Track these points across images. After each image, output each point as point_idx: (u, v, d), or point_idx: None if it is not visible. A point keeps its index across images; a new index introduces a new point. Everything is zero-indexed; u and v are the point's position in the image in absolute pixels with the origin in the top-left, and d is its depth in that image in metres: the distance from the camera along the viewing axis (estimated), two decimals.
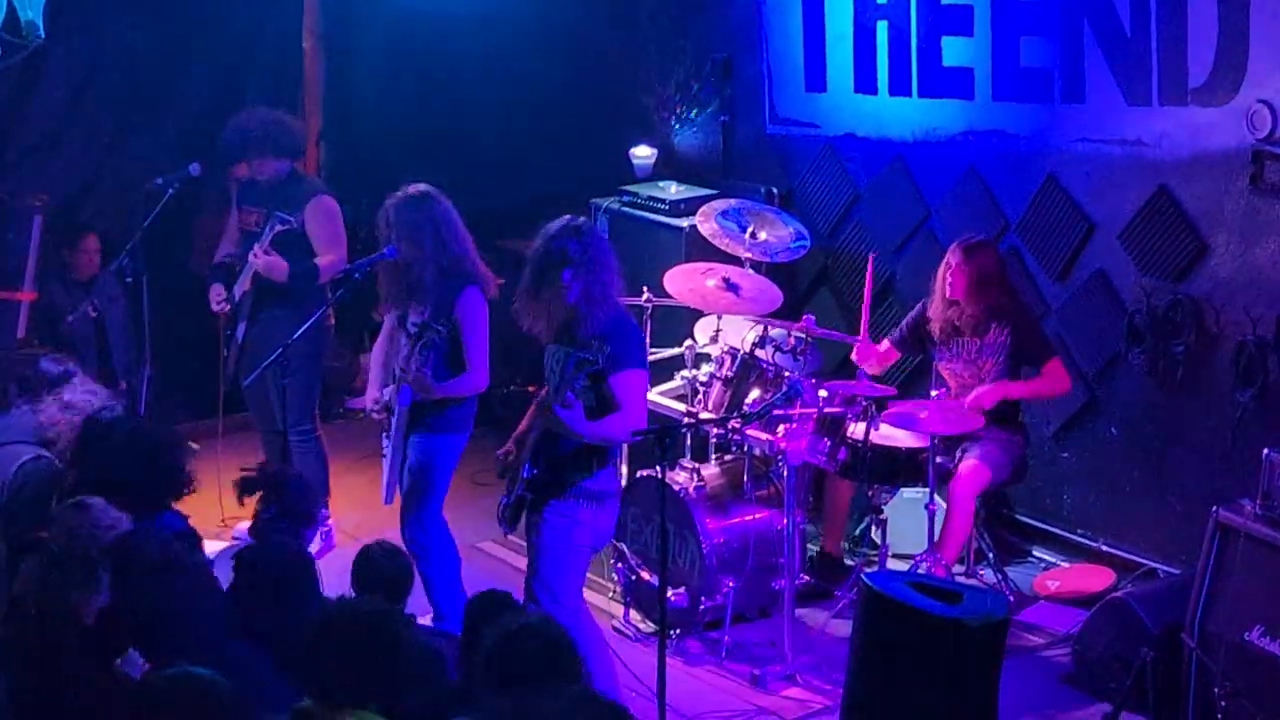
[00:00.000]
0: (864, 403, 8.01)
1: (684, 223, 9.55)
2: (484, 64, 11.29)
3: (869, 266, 8.60)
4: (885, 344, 8.70)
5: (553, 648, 5.24)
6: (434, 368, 7.59)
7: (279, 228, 8.67)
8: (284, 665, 5.45)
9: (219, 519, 8.74)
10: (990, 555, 8.58)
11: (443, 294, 7.59)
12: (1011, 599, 8.22)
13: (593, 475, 6.84)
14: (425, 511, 7.80)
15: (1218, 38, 7.94)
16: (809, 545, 8.76)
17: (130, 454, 6.56)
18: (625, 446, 8.56)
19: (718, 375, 8.31)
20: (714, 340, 8.60)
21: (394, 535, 8.35)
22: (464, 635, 5.89)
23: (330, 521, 9.15)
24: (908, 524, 8.57)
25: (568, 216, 6.94)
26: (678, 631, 8.17)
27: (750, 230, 9.02)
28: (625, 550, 8.34)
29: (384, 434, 7.83)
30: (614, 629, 8.30)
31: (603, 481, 6.88)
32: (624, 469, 8.66)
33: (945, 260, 8.39)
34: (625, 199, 10.02)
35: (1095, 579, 8.63)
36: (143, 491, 6.48)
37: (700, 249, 9.21)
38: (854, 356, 8.59)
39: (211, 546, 7.42)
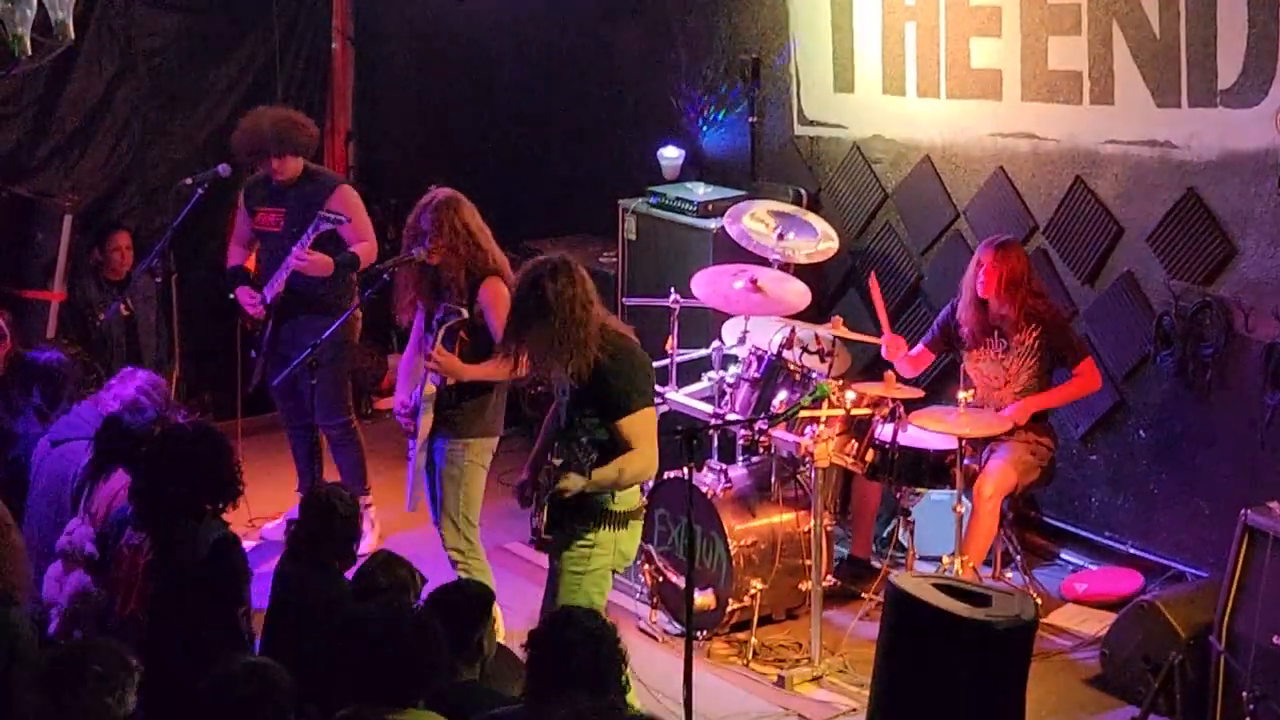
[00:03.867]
0: (892, 404, 8.01)
1: (711, 224, 9.55)
2: (512, 65, 11.30)
3: (870, 282, 8.64)
4: (919, 347, 8.68)
5: (603, 655, 5.28)
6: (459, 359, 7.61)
7: (325, 227, 8.64)
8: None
9: (246, 519, 8.76)
10: (1018, 558, 8.56)
11: (465, 289, 7.61)
12: (1039, 601, 8.19)
13: (613, 497, 6.69)
14: (462, 517, 7.79)
15: (1247, 39, 7.92)
16: (837, 547, 8.74)
17: (196, 458, 6.56)
18: None
19: (745, 376, 8.31)
20: (741, 342, 8.60)
21: (419, 534, 8.43)
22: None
23: (372, 511, 9.17)
24: (935, 526, 8.55)
25: (530, 263, 6.67)
26: (704, 633, 8.16)
27: (778, 231, 9.02)
28: (652, 551, 8.34)
29: (410, 439, 7.83)
30: (640, 630, 8.30)
31: (623, 503, 6.74)
32: None
33: (975, 259, 8.37)
34: (653, 200, 10.01)
35: (1123, 582, 8.61)
36: (204, 495, 6.50)
37: (728, 250, 9.21)
38: (885, 354, 8.58)
39: None
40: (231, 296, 9.08)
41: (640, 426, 6.60)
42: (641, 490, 7.02)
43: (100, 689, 5.02)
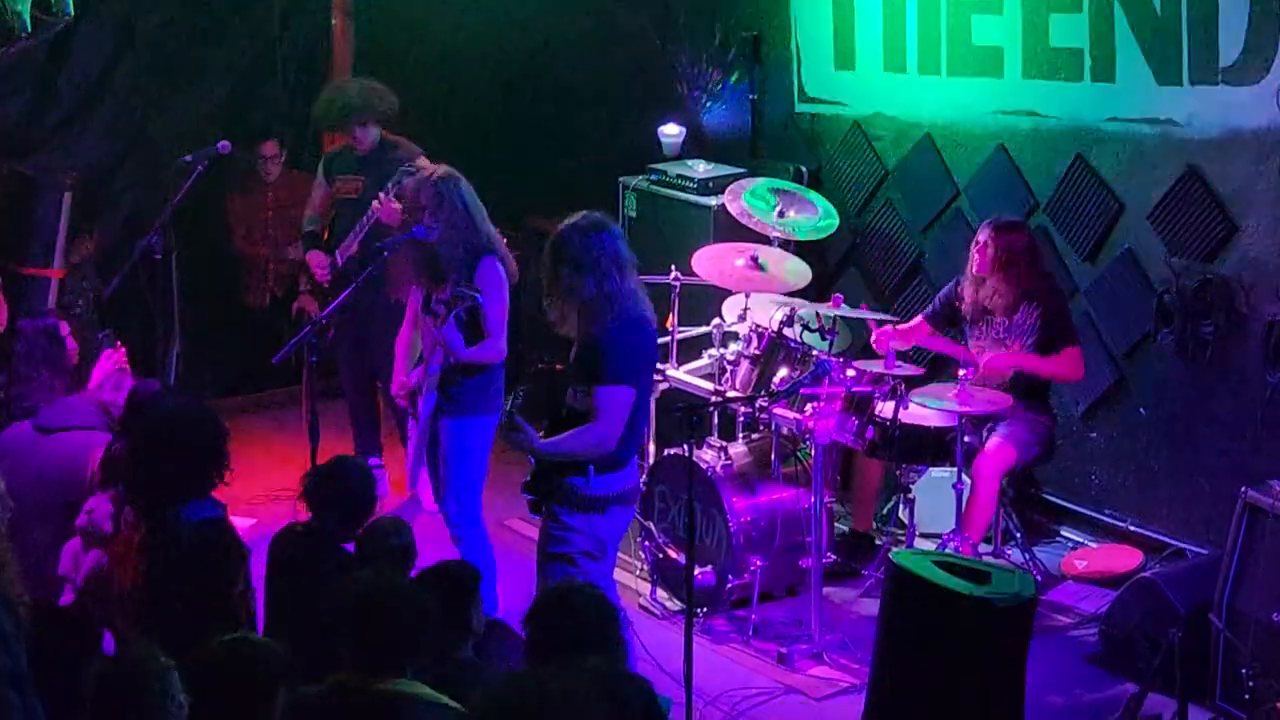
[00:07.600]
0: (892, 381, 8.01)
1: (712, 201, 9.55)
2: (513, 42, 11.28)
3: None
4: (916, 319, 8.68)
5: (600, 616, 5.30)
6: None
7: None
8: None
9: (245, 498, 8.77)
10: (1018, 535, 8.57)
11: (463, 268, 7.60)
12: (1039, 579, 8.20)
13: (588, 482, 6.60)
14: (467, 495, 7.78)
15: (1249, 16, 7.91)
16: (837, 524, 8.75)
17: (178, 430, 6.54)
18: (652, 427, 8.55)
19: (745, 354, 8.31)
20: (741, 319, 8.60)
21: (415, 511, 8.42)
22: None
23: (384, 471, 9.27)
24: (936, 503, 8.56)
25: (581, 213, 6.75)
26: (704, 610, 8.17)
27: (779, 209, 9.02)
28: (652, 528, 8.35)
29: (410, 419, 7.82)
30: (640, 607, 8.31)
31: (599, 488, 6.62)
32: (650, 448, 8.67)
33: (975, 238, 8.38)
34: (653, 177, 10.01)
35: (1123, 559, 8.62)
36: (190, 472, 6.48)
37: (728, 227, 9.21)
38: (872, 342, 8.53)
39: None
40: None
41: (608, 401, 6.54)
42: (637, 474, 6.96)
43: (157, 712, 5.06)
